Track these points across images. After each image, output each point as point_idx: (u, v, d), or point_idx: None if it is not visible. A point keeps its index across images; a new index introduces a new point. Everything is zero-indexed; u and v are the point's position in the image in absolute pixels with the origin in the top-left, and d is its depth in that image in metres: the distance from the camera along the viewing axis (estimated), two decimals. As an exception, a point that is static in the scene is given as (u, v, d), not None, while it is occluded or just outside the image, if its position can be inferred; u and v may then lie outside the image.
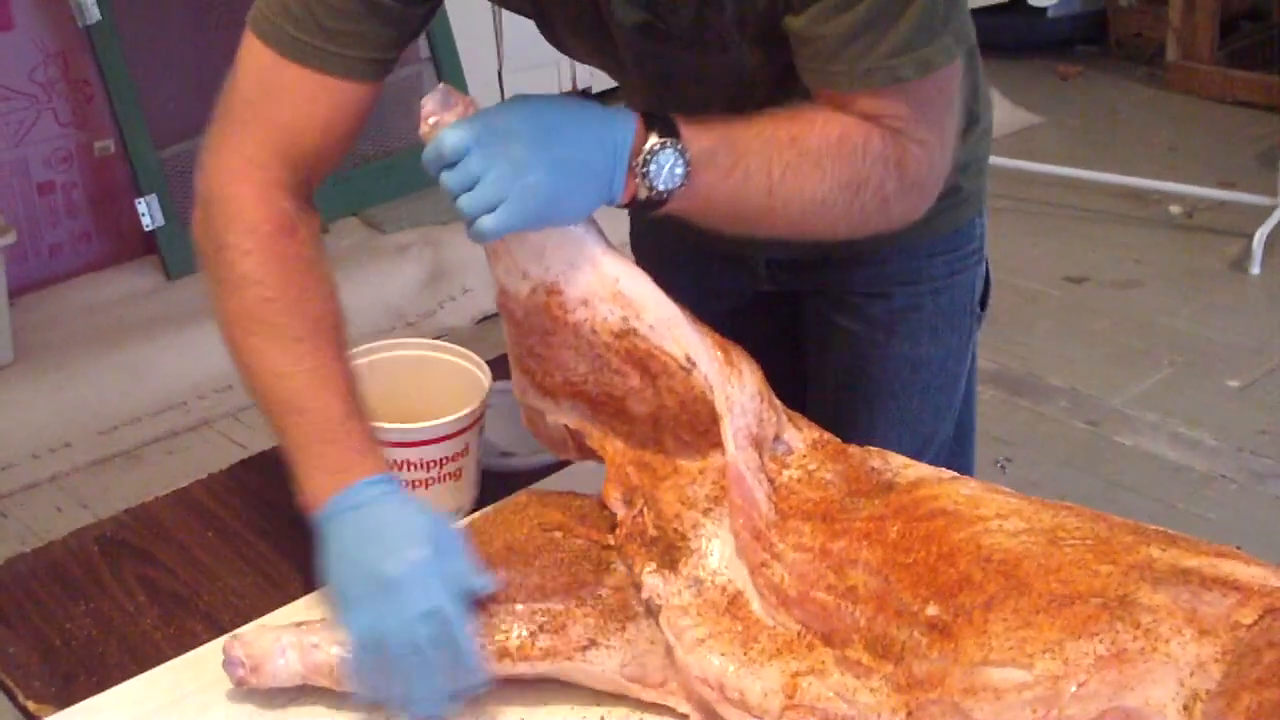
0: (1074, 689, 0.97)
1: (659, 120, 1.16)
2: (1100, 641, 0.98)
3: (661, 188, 1.15)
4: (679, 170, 1.15)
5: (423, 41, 4.08)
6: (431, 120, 1.16)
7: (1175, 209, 4.05)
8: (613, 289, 1.19)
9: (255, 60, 1.23)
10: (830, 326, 1.55)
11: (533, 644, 1.14)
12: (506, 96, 4.65)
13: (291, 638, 1.16)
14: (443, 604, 1.11)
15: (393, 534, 1.14)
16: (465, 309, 3.65)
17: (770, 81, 1.28)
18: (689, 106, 1.22)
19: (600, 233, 1.20)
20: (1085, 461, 2.99)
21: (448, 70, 4.20)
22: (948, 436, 1.60)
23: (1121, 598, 1.00)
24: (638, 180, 1.15)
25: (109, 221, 3.83)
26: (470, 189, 1.12)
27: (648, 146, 1.14)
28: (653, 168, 1.14)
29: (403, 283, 3.66)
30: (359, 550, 1.14)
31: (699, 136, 1.17)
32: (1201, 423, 3.09)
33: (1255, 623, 0.98)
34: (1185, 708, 0.95)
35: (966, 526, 1.10)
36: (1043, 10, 5.10)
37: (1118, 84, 4.98)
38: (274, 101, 1.23)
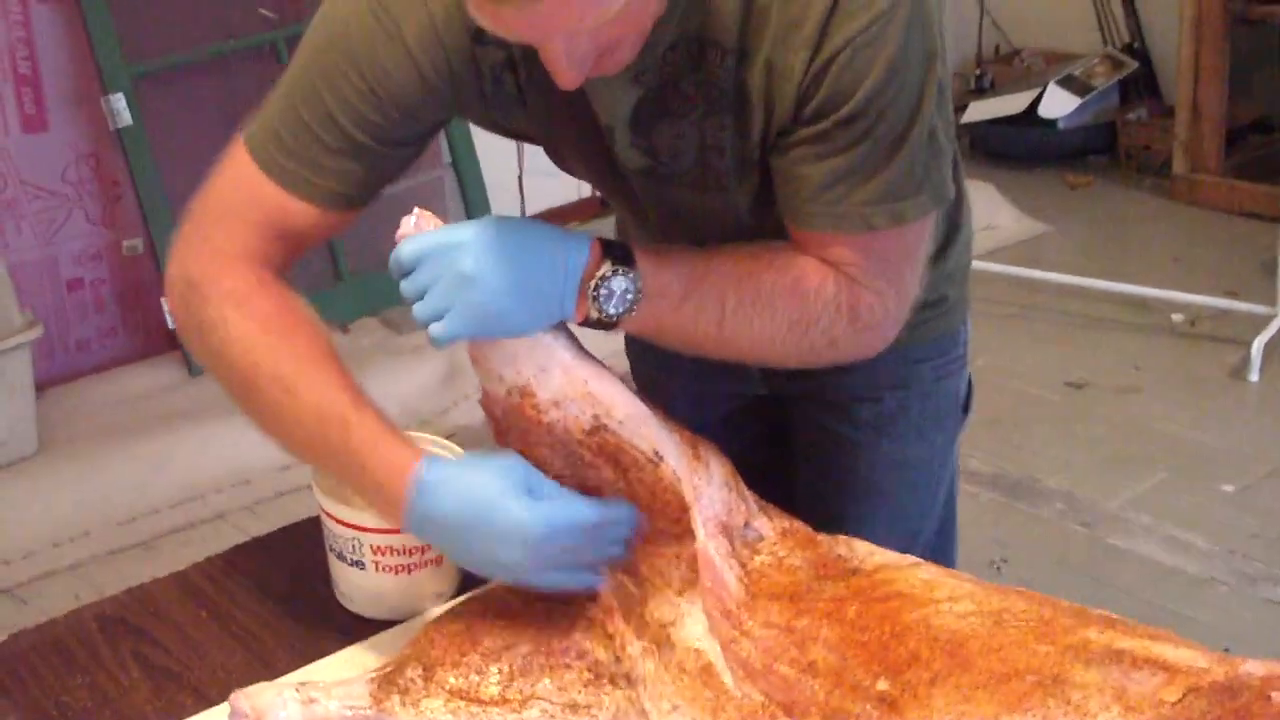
0: (1004, 759, 1.02)
1: (615, 247, 1.20)
2: (1033, 716, 1.04)
3: (612, 312, 1.20)
4: (630, 297, 1.19)
5: (444, 148, 4.17)
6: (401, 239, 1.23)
7: (1177, 317, 4.06)
8: (583, 390, 1.23)
9: (241, 171, 1.30)
10: (821, 429, 1.59)
11: (503, 695, 1.18)
12: (526, 203, 4.69)
13: (293, 692, 1.21)
14: (575, 515, 1.21)
15: (489, 489, 1.21)
16: (476, 409, 3.69)
17: (765, 218, 1.31)
18: (692, 238, 1.28)
19: (570, 336, 1.25)
20: (1079, 563, 3.00)
21: (469, 176, 4.28)
22: (932, 533, 1.64)
23: (1055, 676, 1.06)
24: (589, 302, 1.19)
25: (135, 318, 3.91)
26: (421, 298, 1.18)
27: (600, 273, 1.18)
28: (603, 292, 1.19)
29: (418, 382, 3.72)
30: (467, 508, 1.20)
31: (654, 266, 1.21)
32: (1195, 526, 3.09)
33: (1179, 700, 1.03)
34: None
35: (919, 608, 1.16)
36: (1054, 122, 5.21)
37: (1126, 194, 5.03)
38: (252, 208, 1.29)
